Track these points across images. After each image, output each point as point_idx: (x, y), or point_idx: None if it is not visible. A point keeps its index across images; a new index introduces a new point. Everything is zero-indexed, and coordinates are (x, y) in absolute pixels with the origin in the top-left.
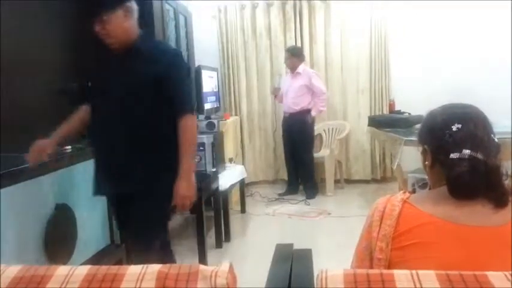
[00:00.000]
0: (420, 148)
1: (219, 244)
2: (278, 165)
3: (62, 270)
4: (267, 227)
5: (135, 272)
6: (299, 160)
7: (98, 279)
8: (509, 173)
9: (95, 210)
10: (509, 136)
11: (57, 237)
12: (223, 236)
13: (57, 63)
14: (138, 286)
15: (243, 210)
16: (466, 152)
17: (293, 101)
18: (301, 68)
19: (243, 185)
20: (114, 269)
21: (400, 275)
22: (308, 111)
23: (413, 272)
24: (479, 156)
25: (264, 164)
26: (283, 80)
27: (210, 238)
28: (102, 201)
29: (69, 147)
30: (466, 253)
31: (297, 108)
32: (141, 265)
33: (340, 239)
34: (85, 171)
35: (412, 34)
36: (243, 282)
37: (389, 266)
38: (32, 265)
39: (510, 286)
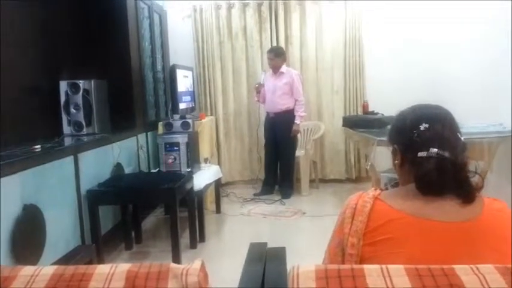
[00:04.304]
0: (390, 147)
1: (193, 245)
2: (254, 166)
3: (27, 270)
4: (242, 227)
5: (104, 271)
6: (282, 160)
7: (65, 279)
8: (479, 170)
9: (66, 211)
10: (476, 136)
11: (25, 239)
12: (197, 237)
13: (27, 63)
14: (106, 286)
15: (218, 210)
16: (434, 150)
17: (278, 100)
18: (284, 68)
19: (218, 185)
20: (82, 268)
21: (371, 269)
22: (293, 112)
23: (383, 266)
24: (446, 154)
25: (240, 165)
26: (266, 80)
27: (185, 239)
28: (72, 202)
29: (39, 146)
30: (435, 248)
31: (283, 108)
32: (110, 264)
33: (314, 238)
34: (55, 170)
35: (386, 36)
36: (217, 281)
37: (361, 262)
38: None
39: (476, 279)
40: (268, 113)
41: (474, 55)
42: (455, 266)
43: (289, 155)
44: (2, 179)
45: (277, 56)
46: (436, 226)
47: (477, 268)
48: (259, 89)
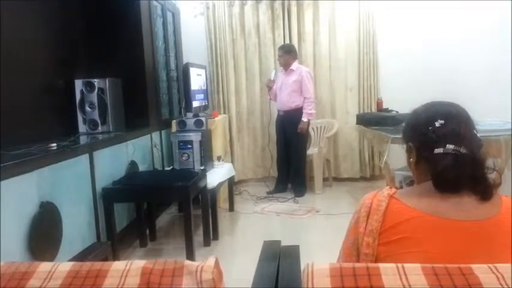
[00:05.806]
0: (405, 146)
1: (207, 242)
2: (267, 164)
3: (44, 266)
4: (255, 225)
5: (119, 268)
6: (292, 158)
7: (82, 275)
8: (497, 167)
9: (81, 208)
10: (493, 134)
11: (42, 236)
12: (211, 235)
13: (42, 61)
14: (122, 282)
15: (231, 208)
16: (450, 146)
17: (287, 98)
18: (294, 65)
19: (231, 183)
20: (98, 265)
21: (386, 268)
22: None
23: (399, 265)
24: (463, 150)
25: (253, 162)
26: (278, 77)
27: (198, 237)
28: (88, 199)
29: (55, 144)
30: (452, 247)
31: (292, 106)
32: (126, 261)
33: (328, 236)
34: (71, 168)
35: (400, 33)
36: (231, 279)
37: (376, 261)
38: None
39: (494, 278)
40: (278, 111)
41: (490, 52)
42: (473, 265)
43: (299, 154)
44: (20, 176)
45: (286, 53)
46: (453, 225)
47: (495, 267)
48: (269, 85)
